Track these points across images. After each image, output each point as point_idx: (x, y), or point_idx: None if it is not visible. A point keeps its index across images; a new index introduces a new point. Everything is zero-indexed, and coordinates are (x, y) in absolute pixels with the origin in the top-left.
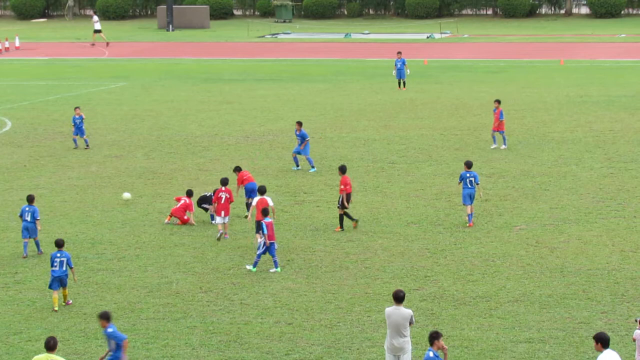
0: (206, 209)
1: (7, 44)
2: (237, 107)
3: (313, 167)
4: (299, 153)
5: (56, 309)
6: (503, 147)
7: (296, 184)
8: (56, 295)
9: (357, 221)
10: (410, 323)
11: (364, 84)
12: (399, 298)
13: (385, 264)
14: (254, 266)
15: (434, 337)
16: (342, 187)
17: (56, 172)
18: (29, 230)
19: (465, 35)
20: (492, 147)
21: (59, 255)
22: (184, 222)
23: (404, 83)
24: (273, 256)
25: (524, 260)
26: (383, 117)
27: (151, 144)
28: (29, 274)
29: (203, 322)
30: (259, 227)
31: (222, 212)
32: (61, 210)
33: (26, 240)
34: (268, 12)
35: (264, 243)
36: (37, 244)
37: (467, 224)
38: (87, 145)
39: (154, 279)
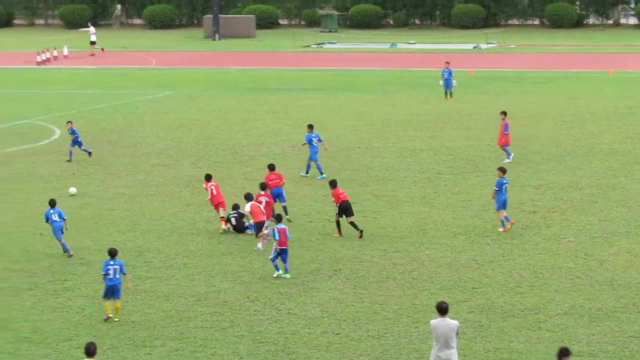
0: (247, 227)
1: (55, 53)
2: (283, 117)
3: (307, 173)
4: (313, 160)
5: (110, 315)
6: (506, 160)
7: None
8: (108, 303)
9: (340, 234)
10: (457, 334)
11: (410, 93)
12: (442, 309)
13: (432, 275)
14: (278, 269)
15: (564, 353)
16: (334, 199)
17: (104, 180)
18: (62, 230)
19: (512, 46)
20: (505, 162)
21: (111, 263)
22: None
23: (451, 93)
24: (284, 262)
25: (572, 273)
26: (430, 128)
27: (198, 153)
28: (78, 281)
29: (251, 332)
30: (258, 230)
31: (264, 216)
32: (109, 218)
33: (62, 240)
34: (314, 22)
35: (275, 248)
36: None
37: (501, 229)
38: (89, 154)
39: (202, 287)
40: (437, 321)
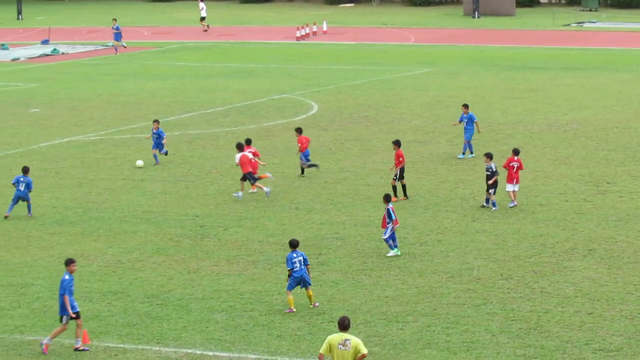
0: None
1: (315, 28)
2: (542, 95)
3: (472, 152)
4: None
5: (293, 309)
6: None
7: (599, 174)
8: (291, 296)
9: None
10: None
11: None
12: None
13: None
14: (393, 248)
15: None
16: (401, 159)
17: (361, 155)
18: (21, 199)
19: None
20: None
21: (295, 255)
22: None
23: None
24: (395, 240)
25: None
26: None
27: (454, 131)
28: (332, 255)
29: (503, 309)
30: (245, 179)
31: (514, 180)
32: (365, 193)
33: (13, 203)
34: (574, 1)
35: (392, 228)
36: (28, 207)
37: None
38: (161, 156)
39: (455, 264)
40: None
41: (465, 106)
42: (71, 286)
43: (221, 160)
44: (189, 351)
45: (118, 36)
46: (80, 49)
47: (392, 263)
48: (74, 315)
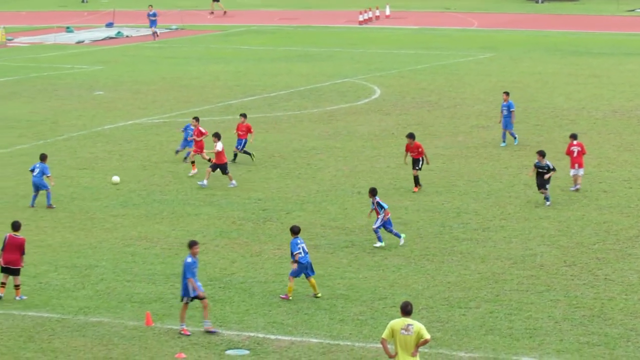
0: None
1: (377, 12)
2: (605, 81)
3: (515, 138)
4: (506, 128)
5: (290, 297)
6: None
7: None
8: (293, 284)
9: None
10: None
11: None
12: None
13: None
14: (380, 240)
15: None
16: (421, 150)
17: (423, 140)
18: (38, 185)
19: None
20: None
21: (299, 241)
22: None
23: None
24: (391, 231)
25: None
26: None
27: (518, 116)
28: (394, 240)
29: (566, 296)
30: (215, 168)
31: (576, 165)
32: (427, 178)
33: (35, 193)
34: None
35: (381, 218)
36: (47, 196)
37: None
38: (186, 159)
39: (519, 250)
40: None
41: (507, 94)
42: (194, 268)
43: (283, 144)
44: (252, 334)
45: (154, 23)
46: (144, 32)
47: (454, 249)
48: (188, 300)
